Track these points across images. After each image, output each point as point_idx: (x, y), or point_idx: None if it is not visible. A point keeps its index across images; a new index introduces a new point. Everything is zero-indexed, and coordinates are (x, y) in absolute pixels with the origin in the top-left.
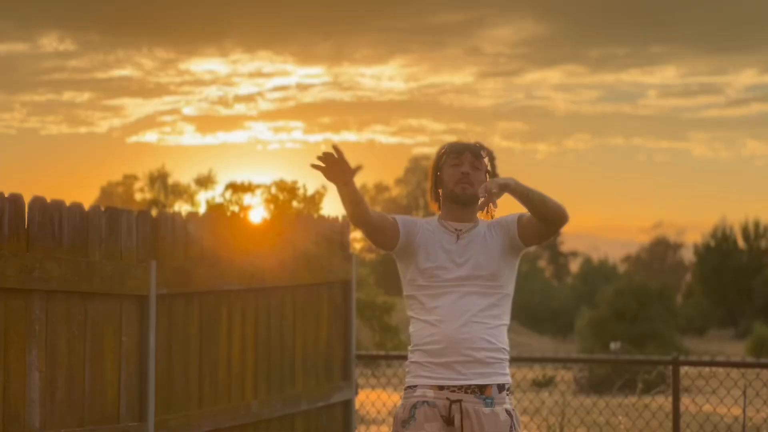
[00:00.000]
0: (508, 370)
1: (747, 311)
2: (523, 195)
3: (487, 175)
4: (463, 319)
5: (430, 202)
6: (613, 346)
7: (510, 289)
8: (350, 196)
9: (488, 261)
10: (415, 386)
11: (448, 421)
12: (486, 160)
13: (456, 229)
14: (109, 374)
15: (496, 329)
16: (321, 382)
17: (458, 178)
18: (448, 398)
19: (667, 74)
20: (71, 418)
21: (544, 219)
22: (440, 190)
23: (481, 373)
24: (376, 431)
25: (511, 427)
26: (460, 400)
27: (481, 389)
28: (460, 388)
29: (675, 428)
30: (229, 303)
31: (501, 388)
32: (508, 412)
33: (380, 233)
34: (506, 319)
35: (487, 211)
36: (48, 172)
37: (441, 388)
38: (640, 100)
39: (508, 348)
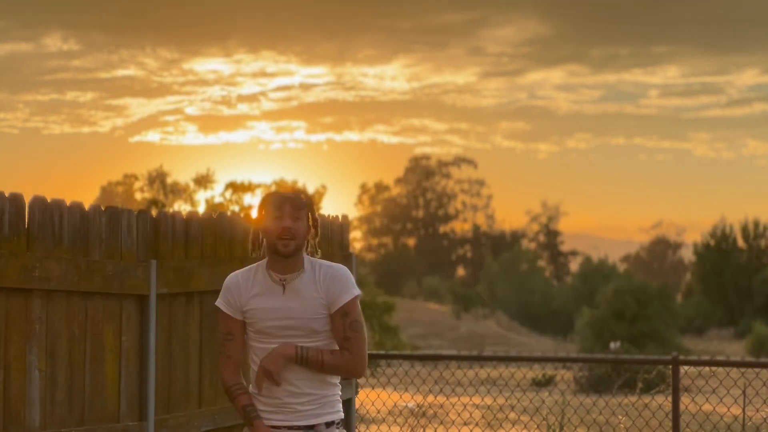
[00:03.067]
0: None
1: (746, 311)
2: (307, 364)
3: (309, 223)
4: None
5: (252, 249)
6: (613, 345)
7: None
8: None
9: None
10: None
11: None
12: (306, 209)
13: (281, 279)
14: (109, 374)
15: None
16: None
17: (279, 232)
18: None
19: (669, 74)
20: (71, 417)
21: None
22: (264, 240)
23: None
24: (376, 430)
25: None
26: None
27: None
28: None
29: (675, 427)
30: None
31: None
32: None
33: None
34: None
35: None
36: (50, 171)
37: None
38: (641, 99)
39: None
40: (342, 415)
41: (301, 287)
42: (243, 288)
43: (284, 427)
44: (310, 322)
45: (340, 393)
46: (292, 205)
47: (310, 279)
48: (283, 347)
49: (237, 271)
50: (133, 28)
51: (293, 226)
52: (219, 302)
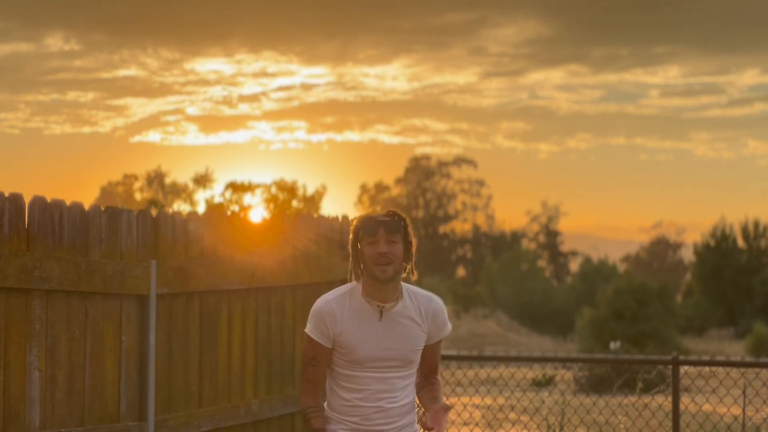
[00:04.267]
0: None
1: (746, 311)
2: None
3: (404, 245)
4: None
5: (352, 277)
6: (612, 345)
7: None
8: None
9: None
10: None
11: None
12: (402, 229)
13: (380, 307)
14: (109, 374)
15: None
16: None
17: (376, 259)
18: None
19: (670, 74)
20: (71, 417)
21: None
22: (362, 266)
23: None
24: None
25: None
26: None
27: None
28: None
29: (675, 427)
30: (229, 302)
31: None
32: None
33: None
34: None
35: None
36: (50, 171)
37: None
38: (642, 99)
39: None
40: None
41: (401, 317)
42: (338, 315)
43: None
44: (410, 353)
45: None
46: (386, 228)
47: (411, 308)
48: (444, 408)
49: (327, 295)
50: (134, 29)
51: (389, 251)
52: (309, 329)
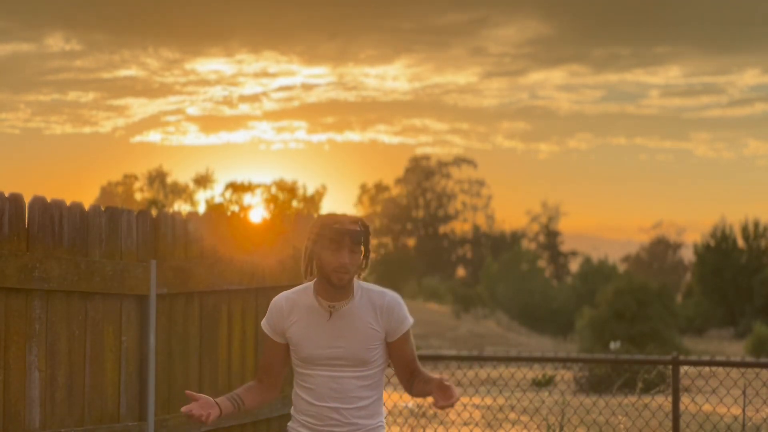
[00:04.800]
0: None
1: (746, 311)
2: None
3: (364, 253)
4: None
5: (306, 274)
6: (612, 345)
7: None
8: (236, 410)
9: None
10: None
11: None
12: (365, 239)
13: (329, 306)
14: (109, 374)
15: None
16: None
17: (335, 267)
18: None
19: (671, 74)
20: (71, 417)
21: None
22: (317, 268)
23: None
24: None
25: None
26: None
27: None
28: None
29: (675, 428)
30: (229, 302)
31: None
32: None
33: (281, 365)
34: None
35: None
36: (51, 172)
37: None
38: (642, 100)
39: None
40: None
41: (351, 315)
42: (286, 311)
43: None
44: (360, 351)
45: (383, 422)
46: (351, 239)
47: (364, 306)
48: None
49: (285, 292)
50: (135, 29)
51: (350, 262)
52: (263, 323)
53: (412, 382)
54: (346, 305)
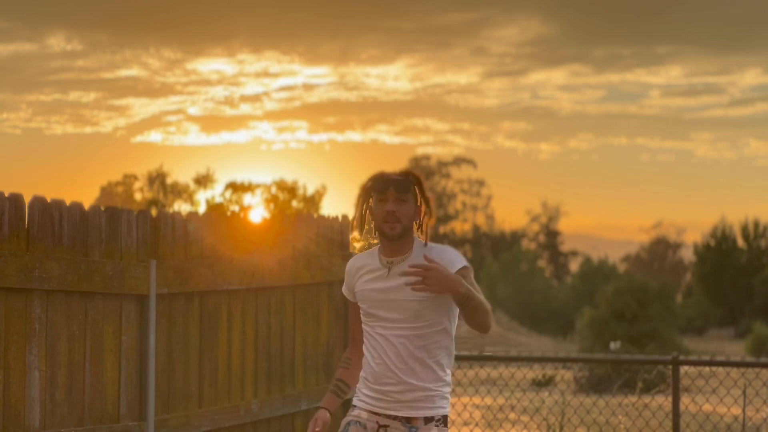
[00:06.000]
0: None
1: (746, 311)
2: (462, 303)
3: (416, 205)
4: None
5: (358, 232)
6: (613, 345)
7: (443, 323)
8: (341, 399)
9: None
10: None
11: None
12: (414, 188)
13: (388, 262)
14: (109, 374)
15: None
16: (321, 382)
17: (383, 216)
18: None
19: (672, 74)
20: (71, 417)
21: (467, 322)
22: (372, 224)
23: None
24: None
25: None
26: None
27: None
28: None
29: (675, 428)
30: (229, 302)
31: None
32: None
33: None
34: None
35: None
36: (51, 172)
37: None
38: (644, 100)
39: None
40: (446, 411)
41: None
42: (353, 271)
43: (383, 414)
44: (412, 304)
45: (449, 389)
46: (396, 188)
47: (420, 261)
48: (457, 279)
49: (357, 254)
50: (136, 29)
51: (398, 209)
52: (343, 288)
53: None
54: (403, 261)
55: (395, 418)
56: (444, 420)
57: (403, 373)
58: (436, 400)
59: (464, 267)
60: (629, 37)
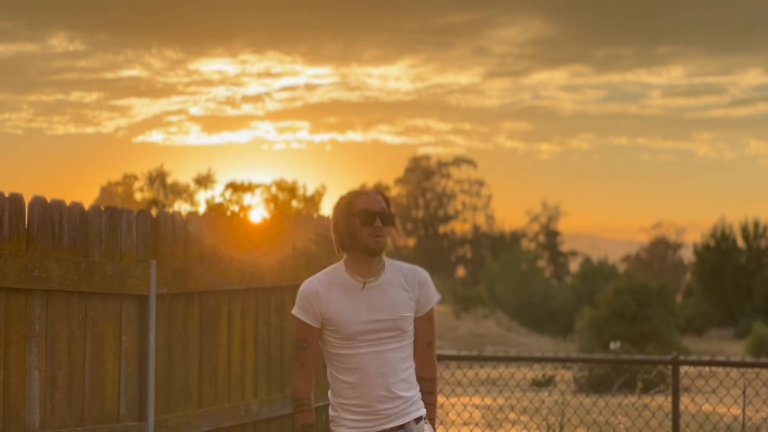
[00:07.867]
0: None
1: (746, 311)
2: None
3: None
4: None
5: (341, 250)
6: (612, 345)
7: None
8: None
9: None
10: None
11: None
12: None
13: (362, 280)
14: (109, 374)
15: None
16: (321, 381)
17: (370, 232)
18: None
19: (673, 74)
20: (71, 417)
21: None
22: (354, 240)
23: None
24: None
25: None
26: None
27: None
28: None
29: (675, 428)
30: (229, 302)
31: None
32: None
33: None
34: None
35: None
36: (53, 172)
37: None
38: (644, 100)
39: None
40: (424, 411)
41: (386, 286)
42: (322, 293)
43: (376, 431)
44: (399, 319)
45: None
46: (383, 220)
47: (396, 278)
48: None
49: (312, 277)
50: (138, 29)
51: (383, 234)
52: (295, 311)
53: (419, 370)
54: (377, 279)
55: (390, 429)
56: (425, 418)
57: (396, 387)
58: (419, 402)
59: (436, 303)
60: (630, 38)
